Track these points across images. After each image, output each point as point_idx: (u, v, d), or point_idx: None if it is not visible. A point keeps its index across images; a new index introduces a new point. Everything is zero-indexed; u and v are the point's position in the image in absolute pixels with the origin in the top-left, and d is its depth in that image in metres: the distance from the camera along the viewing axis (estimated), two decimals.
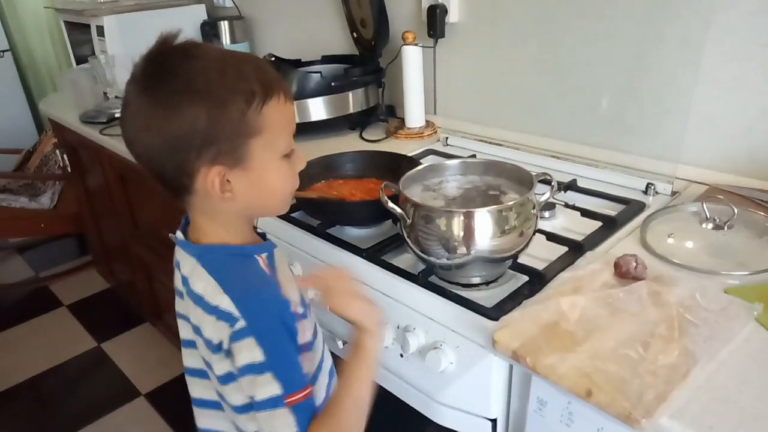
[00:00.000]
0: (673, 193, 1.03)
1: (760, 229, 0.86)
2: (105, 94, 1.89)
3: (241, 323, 0.60)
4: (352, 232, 1.01)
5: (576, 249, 0.86)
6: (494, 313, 0.73)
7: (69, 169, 2.21)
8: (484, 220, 0.74)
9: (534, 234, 0.80)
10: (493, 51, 1.31)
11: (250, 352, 0.59)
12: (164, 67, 0.59)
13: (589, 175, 1.12)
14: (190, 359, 0.70)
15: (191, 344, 0.68)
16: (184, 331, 0.70)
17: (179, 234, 0.69)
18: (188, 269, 0.66)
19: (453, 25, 1.35)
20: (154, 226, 1.71)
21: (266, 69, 0.62)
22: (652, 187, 1.04)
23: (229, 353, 0.61)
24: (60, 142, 2.21)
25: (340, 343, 0.95)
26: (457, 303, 0.78)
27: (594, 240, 0.89)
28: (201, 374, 0.69)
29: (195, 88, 0.58)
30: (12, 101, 3.32)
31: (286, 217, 1.06)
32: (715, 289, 0.74)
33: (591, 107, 1.16)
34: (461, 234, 0.74)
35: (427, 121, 1.45)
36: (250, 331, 0.60)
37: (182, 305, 0.70)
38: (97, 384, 2.03)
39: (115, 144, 1.62)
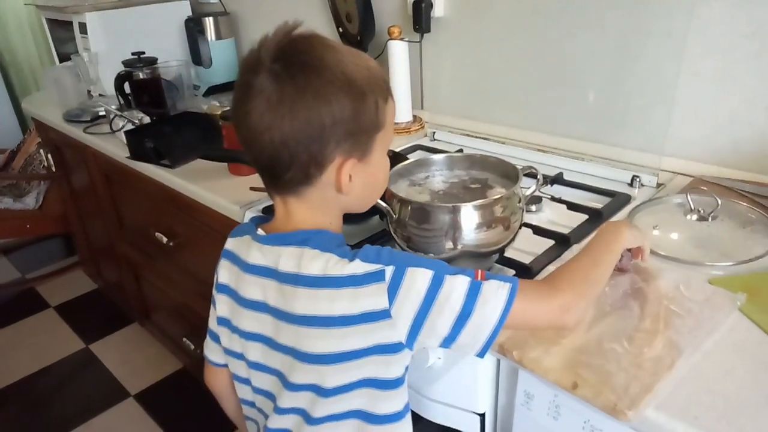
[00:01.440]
0: (658, 185, 1.03)
1: (744, 219, 0.87)
2: (89, 92, 1.87)
3: (389, 269, 0.58)
4: None
5: (562, 242, 0.87)
6: None
7: (54, 169, 2.18)
8: (470, 214, 0.74)
9: (520, 228, 0.80)
10: (478, 45, 1.31)
11: (418, 278, 0.58)
12: (309, 56, 0.58)
13: (575, 168, 1.12)
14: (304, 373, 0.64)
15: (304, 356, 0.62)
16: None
17: (261, 231, 0.66)
18: (293, 262, 0.62)
19: (438, 19, 1.35)
20: (141, 226, 1.69)
21: (378, 66, 0.64)
22: (638, 180, 1.04)
23: (392, 312, 0.58)
24: (44, 141, 2.18)
25: None
26: None
27: (580, 233, 0.89)
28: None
29: (343, 79, 0.58)
30: None
31: (272, 214, 1.05)
32: (700, 279, 0.74)
33: (576, 100, 1.17)
34: (448, 229, 0.74)
35: (414, 116, 1.45)
36: (403, 265, 0.58)
37: (259, 318, 0.66)
38: (86, 386, 2.01)
39: (99, 143, 1.60)
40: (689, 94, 1.02)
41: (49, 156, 2.15)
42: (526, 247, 0.86)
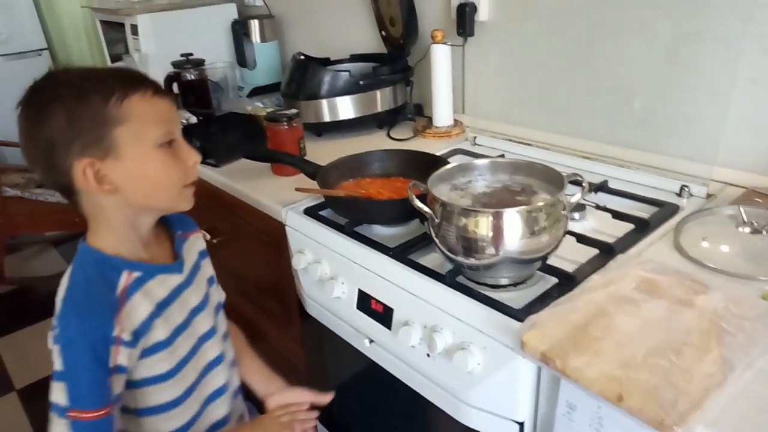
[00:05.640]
0: (708, 196, 1.00)
1: None
2: None
3: (56, 330, 0.66)
4: (380, 231, 1.01)
5: (607, 251, 0.85)
6: (522, 314, 0.72)
7: None
8: (513, 220, 0.73)
9: (564, 235, 0.79)
10: (522, 49, 1.30)
11: (56, 358, 0.66)
12: (35, 87, 0.66)
13: (621, 176, 1.09)
14: None
15: None
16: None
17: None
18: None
19: (483, 23, 1.34)
20: None
21: (132, 73, 0.69)
22: (687, 189, 1.01)
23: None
24: None
25: (366, 342, 0.95)
26: (484, 304, 0.77)
27: (625, 242, 0.87)
28: None
29: (57, 94, 0.64)
30: None
31: (313, 215, 1.06)
32: (752, 295, 0.72)
33: (623, 106, 1.14)
34: (490, 234, 0.74)
35: (456, 120, 1.45)
36: (57, 340, 0.66)
37: None
38: None
39: None
40: (744, 102, 0.98)
41: None
42: (570, 256, 0.85)
